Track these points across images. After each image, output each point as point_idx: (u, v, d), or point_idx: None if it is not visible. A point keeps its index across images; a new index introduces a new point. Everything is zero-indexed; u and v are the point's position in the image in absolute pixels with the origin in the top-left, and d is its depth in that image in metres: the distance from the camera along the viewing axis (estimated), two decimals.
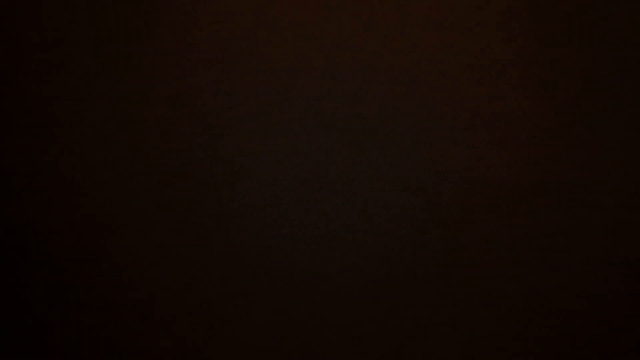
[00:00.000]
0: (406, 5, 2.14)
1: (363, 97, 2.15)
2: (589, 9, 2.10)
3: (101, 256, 2.20)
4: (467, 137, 2.12)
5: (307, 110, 2.16)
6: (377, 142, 2.14)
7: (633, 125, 2.09)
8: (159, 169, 2.19)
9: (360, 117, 2.14)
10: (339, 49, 2.15)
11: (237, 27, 2.18)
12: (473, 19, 2.12)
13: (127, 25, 2.20)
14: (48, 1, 2.22)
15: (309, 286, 2.16)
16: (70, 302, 2.21)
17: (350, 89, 2.15)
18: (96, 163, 2.20)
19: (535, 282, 2.11)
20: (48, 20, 2.22)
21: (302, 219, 2.15)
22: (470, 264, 2.12)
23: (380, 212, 2.14)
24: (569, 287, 2.11)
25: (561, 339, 2.11)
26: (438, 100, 2.13)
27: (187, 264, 2.18)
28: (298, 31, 2.16)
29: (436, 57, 2.13)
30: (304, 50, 2.16)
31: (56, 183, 2.21)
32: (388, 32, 2.14)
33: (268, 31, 2.17)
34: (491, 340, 2.12)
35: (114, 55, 2.20)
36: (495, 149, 2.12)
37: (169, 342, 2.18)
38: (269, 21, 2.17)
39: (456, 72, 2.13)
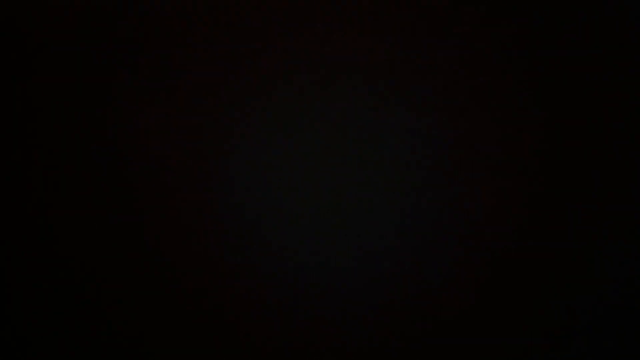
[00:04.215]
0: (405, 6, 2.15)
1: (363, 97, 2.16)
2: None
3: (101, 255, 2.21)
4: (465, 134, 2.13)
5: (307, 109, 2.17)
6: (377, 141, 2.15)
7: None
8: (160, 169, 2.20)
9: (359, 118, 2.16)
10: (339, 49, 2.16)
11: (236, 27, 2.19)
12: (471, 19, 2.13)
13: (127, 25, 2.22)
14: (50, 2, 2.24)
15: (309, 286, 2.17)
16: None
17: (350, 90, 2.16)
18: (96, 164, 2.22)
19: (537, 282, 2.12)
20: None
21: (302, 218, 2.17)
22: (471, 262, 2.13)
23: (378, 212, 2.15)
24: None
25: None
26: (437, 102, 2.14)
27: (187, 261, 2.19)
28: (295, 30, 2.18)
29: (436, 57, 2.14)
30: (303, 49, 2.17)
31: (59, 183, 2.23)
32: (385, 32, 2.15)
33: (263, 31, 2.18)
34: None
35: (111, 57, 2.22)
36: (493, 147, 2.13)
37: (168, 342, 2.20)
38: (265, 22, 2.18)
39: (457, 76, 2.14)
